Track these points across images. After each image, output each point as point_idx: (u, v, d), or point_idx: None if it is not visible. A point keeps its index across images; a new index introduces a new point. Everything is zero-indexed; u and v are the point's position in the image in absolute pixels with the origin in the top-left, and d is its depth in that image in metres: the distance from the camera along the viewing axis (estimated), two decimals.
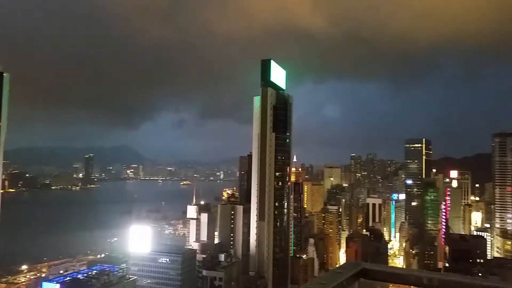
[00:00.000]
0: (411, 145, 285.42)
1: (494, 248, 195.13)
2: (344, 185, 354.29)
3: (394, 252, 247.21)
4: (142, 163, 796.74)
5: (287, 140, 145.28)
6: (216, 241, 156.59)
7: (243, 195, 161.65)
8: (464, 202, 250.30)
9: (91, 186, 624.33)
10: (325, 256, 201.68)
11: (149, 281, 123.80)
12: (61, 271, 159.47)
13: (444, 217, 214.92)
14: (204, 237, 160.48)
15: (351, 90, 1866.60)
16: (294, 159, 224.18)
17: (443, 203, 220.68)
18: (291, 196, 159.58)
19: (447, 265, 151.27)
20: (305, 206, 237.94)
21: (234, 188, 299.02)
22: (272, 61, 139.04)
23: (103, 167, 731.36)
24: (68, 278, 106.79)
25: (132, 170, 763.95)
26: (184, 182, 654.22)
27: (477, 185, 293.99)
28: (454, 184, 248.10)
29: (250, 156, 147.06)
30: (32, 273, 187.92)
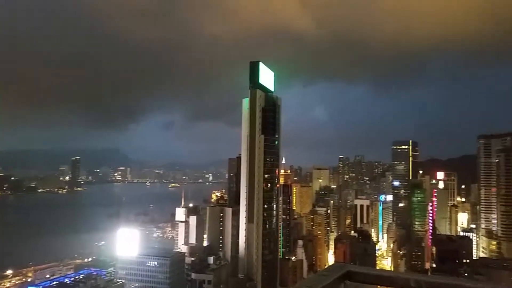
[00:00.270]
0: (398, 147, 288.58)
1: (479, 248, 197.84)
2: (332, 186, 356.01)
3: (382, 253, 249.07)
4: (130, 166, 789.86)
5: (276, 142, 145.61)
6: (205, 243, 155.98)
7: (232, 197, 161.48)
8: (450, 203, 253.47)
9: (78, 189, 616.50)
10: (313, 257, 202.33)
11: (137, 284, 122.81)
12: (48, 276, 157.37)
13: (431, 218, 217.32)
14: (193, 240, 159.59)
15: (339, 92, 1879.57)
16: (283, 161, 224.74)
17: (430, 204, 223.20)
18: (280, 198, 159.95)
19: (434, 265, 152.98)
20: (294, 208, 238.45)
21: (223, 190, 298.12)
22: (260, 63, 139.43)
23: (90, 170, 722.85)
24: (54, 283, 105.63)
25: (119, 172, 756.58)
26: (173, 184, 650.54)
27: (463, 186, 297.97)
28: (441, 185, 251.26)
29: (239, 158, 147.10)
30: (17, 277, 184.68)
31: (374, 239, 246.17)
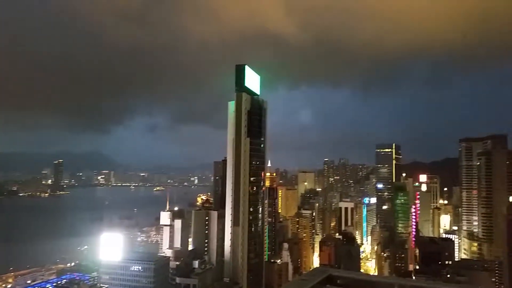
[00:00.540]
0: (381, 150, 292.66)
1: (461, 250, 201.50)
2: (317, 189, 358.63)
3: (366, 256, 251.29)
4: (114, 169, 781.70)
5: (262, 145, 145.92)
6: (190, 247, 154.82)
7: (218, 201, 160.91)
8: (433, 206, 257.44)
9: (61, 192, 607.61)
10: (299, 260, 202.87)
11: None
12: (29, 281, 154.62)
13: (414, 220, 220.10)
14: (177, 243, 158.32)
15: (324, 95, 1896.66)
16: (269, 164, 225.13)
17: (413, 206, 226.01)
18: (266, 201, 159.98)
19: (417, 267, 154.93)
20: (280, 211, 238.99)
21: (209, 193, 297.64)
22: (246, 67, 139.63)
23: (73, 173, 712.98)
24: None
25: (103, 176, 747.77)
26: (158, 188, 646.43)
27: (445, 189, 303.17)
28: (423, 188, 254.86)
29: (224, 161, 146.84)
30: None
31: (359, 241, 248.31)
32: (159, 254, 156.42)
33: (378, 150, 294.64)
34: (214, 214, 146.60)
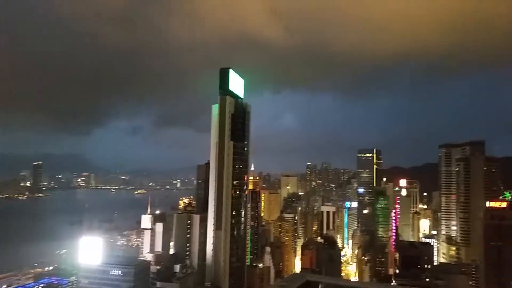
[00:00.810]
0: (362, 155, 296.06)
1: (440, 254, 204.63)
2: (300, 193, 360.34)
3: (347, 259, 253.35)
4: (94, 172, 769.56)
5: (245, 149, 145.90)
6: (172, 251, 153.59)
7: (200, 204, 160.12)
8: (413, 210, 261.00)
9: (39, 195, 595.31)
10: (281, 264, 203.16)
11: None
12: (4, 286, 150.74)
13: (394, 224, 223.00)
14: (159, 247, 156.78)
15: (307, 100, 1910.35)
16: (252, 168, 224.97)
17: (393, 211, 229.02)
18: (249, 205, 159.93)
19: (397, 271, 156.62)
20: (262, 215, 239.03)
21: (191, 197, 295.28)
22: (230, 70, 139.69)
23: (52, 175, 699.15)
24: None
25: (83, 178, 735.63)
26: (139, 191, 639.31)
27: (425, 194, 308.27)
28: (403, 192, 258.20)
29: (207, 164, 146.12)
30: None
31: (340, 245, 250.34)
32: (139, 258, 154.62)
33: (360, 155, 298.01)
34: (197, 218, 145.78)
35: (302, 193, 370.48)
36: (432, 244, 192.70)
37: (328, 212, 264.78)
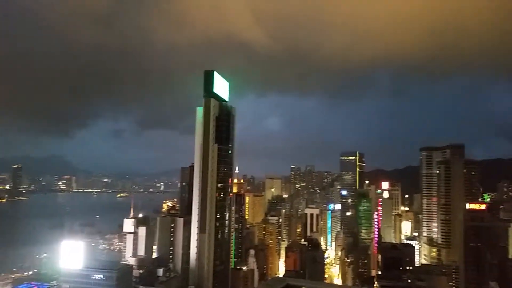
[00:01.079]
0: (346, 158, 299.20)
1: (421, 255, 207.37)
2: (284, 196, 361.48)
3: (330, 261, 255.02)
4: (76, 174, 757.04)
5: (230, 152, 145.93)
6: (155, 255, 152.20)
7: (184, 207, 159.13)
8: (395, 212, 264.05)
9: (19, 198, 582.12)
10: (265, 267, 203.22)
11: None
12: None
13: (376, 226, 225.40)
14: (141, 251, 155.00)
15: (291, 104, 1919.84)
16: (236, 171, 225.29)
17: (376, 213, 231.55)
18: (233, 208, 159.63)
19: (380, 273, 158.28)
20: (247, 217, 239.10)
21: (175, 200, 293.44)
22: (215, 73, 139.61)
23: (33, 178, 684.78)
24: None
25: (64, 181, 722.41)
26: (121, 194, 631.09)
27: (406, 196, 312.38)
28: (386, 195, 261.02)
29: (192, 167, 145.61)
30: None
31: (323, 247, 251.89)
32: (122, 262, 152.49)
33: (343, 158, 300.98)
34: (180, 221, 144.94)
35: (286, 196, 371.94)
36: (413, 245, 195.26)
37: (312, 215, 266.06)
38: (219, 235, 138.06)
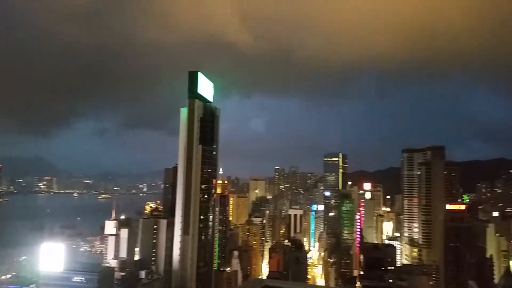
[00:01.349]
0: (329, 159, 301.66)
1: (403, 256, 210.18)
2: (268, 197, 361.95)
3: (313, 261, 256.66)
4: (57, 175, 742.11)
5: (214, 153, 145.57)
6: (137, 257, 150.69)
7: (168, 209, 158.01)
8: (377, 213, 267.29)
9: None
10: (248, 268, 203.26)
11: None
12: None
13: (358, 227, 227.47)
14: (123, 253, 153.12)
15: (275, 105, 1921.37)
16: (221, 172, 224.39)
17: (358, 213, 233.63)
18: (217, 209, 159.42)
19: (362, 273, 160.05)
20: (231, 219, 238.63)
21: (158, 201, 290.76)
22: (199, 73, 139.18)
23: (12, 179, 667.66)
24: None
25: (45, 182, 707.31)
26: (103, 195, 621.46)
27: (388, 197, 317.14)
28: (368, 195, 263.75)
29: (175, 168, 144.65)
30: None
31: (306, 247, 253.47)
32: (103, 264, 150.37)
33: (326, 159, 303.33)
34: (163, 223, 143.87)
35: (270, 197, 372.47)
36: (395, 246, 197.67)
37: (295, 215, 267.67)
38: (203, 237, 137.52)
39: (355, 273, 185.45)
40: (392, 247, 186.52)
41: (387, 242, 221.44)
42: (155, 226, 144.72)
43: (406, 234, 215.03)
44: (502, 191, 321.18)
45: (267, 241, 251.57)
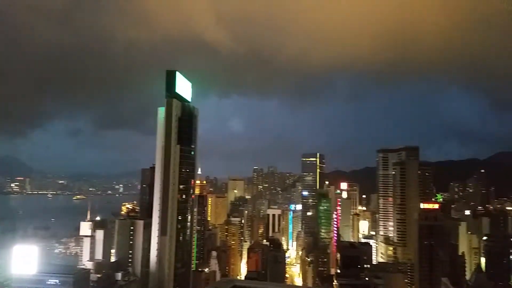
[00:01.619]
0: (307, 159, 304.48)
1: (378, 254, 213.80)
2: (246, 197, 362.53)
3: (291, 261, 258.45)
4: (30, 176, 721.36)
5: (192, 153, 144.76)
6: (113, 259, 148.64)
7: (145, 209, 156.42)
8: (353, 212, 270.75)
9: None
10: (227, 268, 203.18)
11: None
12: None
13: (335, 226, 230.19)
14: (99, 255, 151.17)
15: (254, 105, 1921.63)
16: (199, 172, 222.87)
17: (335, 213, 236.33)
18: (195, 209, 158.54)
19: (339, 271, 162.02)
20: (209, 219, 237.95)
21: (135, 202, 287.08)
22: (177, 73, 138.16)
23: None
24: None
25: (17, 183, 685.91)
26: (78, 196, 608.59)
27: (364, 196, 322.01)
28: (344, 195, 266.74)
29: (152, 168, 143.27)
30: None
31: (285, 247, 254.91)
32: (78, 266, 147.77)
33: (304, 159, 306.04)
34: (140, 224, 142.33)
35: (249, 197, 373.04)
36: (371, 244, 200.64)
37: (274, 215, 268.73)
38: (181, 237, 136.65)
39: (332, 271, 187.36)
40: (368, 246, 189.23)
41: (363, 240, 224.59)
42: (132, 227, 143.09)
43: (381, 233, 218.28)
44: (473, 190, 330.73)
45: (245, 241, 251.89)
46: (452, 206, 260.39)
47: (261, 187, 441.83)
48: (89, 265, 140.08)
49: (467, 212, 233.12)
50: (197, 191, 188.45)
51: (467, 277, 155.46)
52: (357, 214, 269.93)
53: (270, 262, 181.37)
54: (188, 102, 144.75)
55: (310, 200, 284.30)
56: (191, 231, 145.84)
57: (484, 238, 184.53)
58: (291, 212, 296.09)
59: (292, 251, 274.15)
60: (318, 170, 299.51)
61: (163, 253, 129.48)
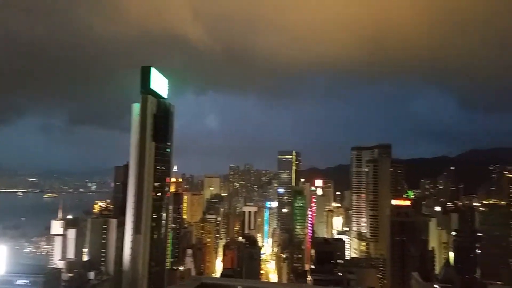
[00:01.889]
0: (283, 157, 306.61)
1: (352, 249, 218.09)
2: (223, 194, 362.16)
3: (267, 257, 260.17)
4: None
5: (168, 150, 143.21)
6: (86, 258, 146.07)
7: (118, 208, 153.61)
8: (327, 208, 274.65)
9: None
10: (202, 266, 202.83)
11: None
12: None
13: (310, 222, 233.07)
14: (71, 254, 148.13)
15: (230, 102, 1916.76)
16: (175, 169, 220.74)
17: (310, 209, 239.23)
18: (170, 207, 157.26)
19: (313, 267, 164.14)
20: (185, 217, 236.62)
21: (108, 200, 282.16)
22: (152, 69, 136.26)
23: None
24: None
25: None
26: (49, 194, 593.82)
27: (338, 193, 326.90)
28: (319, 192, 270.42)
29: (126, 166, 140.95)
30: None
31: (260, 243, 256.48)
32: (49, 266, 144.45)
33: (280, 157, 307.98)
34: (113, 222, 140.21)
35: (225, 194, 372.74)
36: (344, 240, 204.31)
37: (250, 212, 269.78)
38: (155, 236, 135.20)
39: (307, 267, 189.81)
40: (342, 241, 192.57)
41: (337, 236, 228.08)
42: (105, 226, 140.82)
43: (354, 229, 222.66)
44: (443, 187, 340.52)
45: (221, 238, 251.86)
46: (423, 202, 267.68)
47: (237, 184, 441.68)
48: (60, 264, 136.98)
49: (437, 208, 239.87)
50: (172, 188, 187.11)
51: (437, 271, 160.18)
52: (331, 211, 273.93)
53: (245, 259, 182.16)
54: (164, 98, 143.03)
55: (286, 197, 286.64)
56: (166, 229, 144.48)
57: (453, 233, 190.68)
58: (267, 209, 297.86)
59: (268, 247, 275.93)
60: (294, 168, 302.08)
61: (137, 251, 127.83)
